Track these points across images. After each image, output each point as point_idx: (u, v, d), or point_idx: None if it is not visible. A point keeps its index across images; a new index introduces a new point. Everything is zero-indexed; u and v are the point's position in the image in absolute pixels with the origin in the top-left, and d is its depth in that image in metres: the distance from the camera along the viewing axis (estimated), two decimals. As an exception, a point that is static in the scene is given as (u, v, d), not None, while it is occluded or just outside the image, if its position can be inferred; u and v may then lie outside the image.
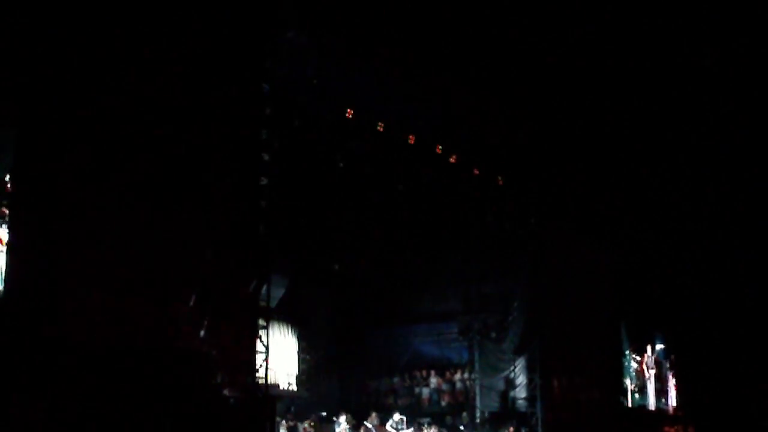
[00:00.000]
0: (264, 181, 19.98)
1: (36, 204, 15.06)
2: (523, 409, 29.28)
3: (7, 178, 15.94)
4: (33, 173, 15.07)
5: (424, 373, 32.62)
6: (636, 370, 33.34)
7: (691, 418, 33.55)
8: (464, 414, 30.32)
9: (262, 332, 19.71)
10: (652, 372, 33.65)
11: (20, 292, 14.49)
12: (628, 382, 32.29)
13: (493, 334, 30.49)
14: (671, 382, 34.29)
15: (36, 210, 15.04)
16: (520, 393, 29.60)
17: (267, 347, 19.68)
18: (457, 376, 32.01)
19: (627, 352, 32.59)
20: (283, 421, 22.93)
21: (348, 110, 23.37)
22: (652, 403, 33.04)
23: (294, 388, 28.59)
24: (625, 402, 31.81)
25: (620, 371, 32.15)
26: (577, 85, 27.05)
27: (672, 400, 34.11)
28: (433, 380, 32.25)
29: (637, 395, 32.60)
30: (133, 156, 16.49)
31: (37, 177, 15.09)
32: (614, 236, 31.46)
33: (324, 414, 26.32)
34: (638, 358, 33.37)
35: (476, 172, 27.33)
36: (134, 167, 16.47)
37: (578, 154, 28.84)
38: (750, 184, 30.44)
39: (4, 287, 14.73)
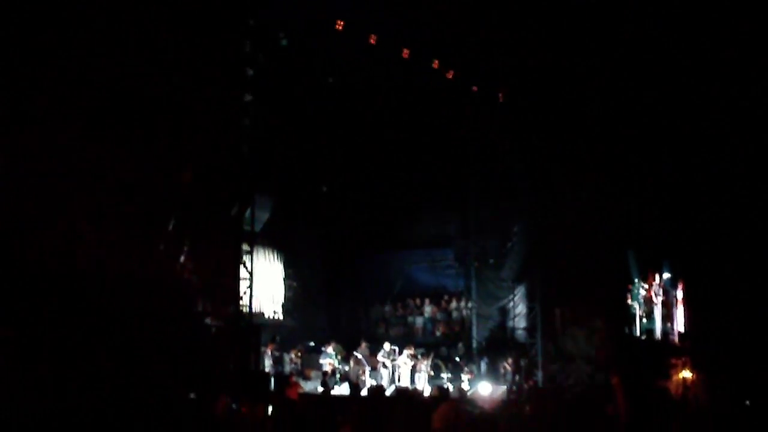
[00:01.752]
0: (248, 97, 19.95)
1: (9, 131, 15.03)
2: (522, 340, 29.49)
3: None
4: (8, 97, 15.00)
5: (418, 301, 32.77)
6: (644, 297, 33.54)
7: (698, 348, 33.87)
8: (460, 345, 30.55)
9: (245, 258, 19.87)
10: (660, 299, 33.86)
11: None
12: (636, 308, 32.48)
13: (492, 261, 30.49)
14: (678, 310, 34.54)
15: (8, 137, 15.02)
16: (519, 323, 29.81)
17: (251, 274, 19.86)
18: (453, 304, 32.22)
19: (636, 280, 32.72)
20: (268, 351, 23.13)
21: (338, 21, 23.17)
22: (658, 329, 33.30)
23: (280, 316, 28.78)
24: (632, 330, 32.02)
25: (625, 300, 32.32)
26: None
27: (678, 328, 34.41)
28: (428, 309, 32.43)
29: (645, 320, 32.78)
30: (110, 74, 16.42)
31: (13, 101, 15.05)
32: (622, 158, 31.38)
33: (312, 344, 26.51)
34: (646, 286, 33.53)
35: (475, 88, 27.17)
36: (110, 86, 16.41)
37: (585, 70, 28.64)
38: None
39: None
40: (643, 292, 33.36)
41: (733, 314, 32.84)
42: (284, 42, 21.89)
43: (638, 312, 32.76)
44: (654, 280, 33.64)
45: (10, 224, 14.80)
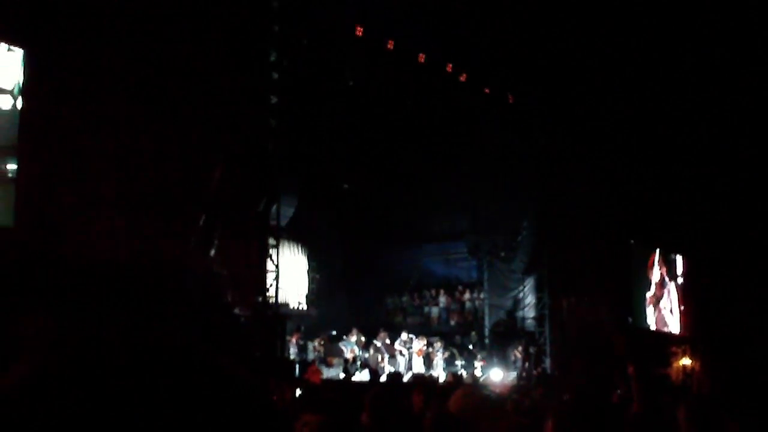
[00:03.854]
0: (273, 99, 20.00)
1: (41, 131, 15.05)
2: (531, 329, 29.51)
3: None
4: (40, 96, 15.03)
5: (434, 292, 32.80)
6: (646, 286, 33.44)
7: (698, 339, 33.82)
8: (473, 333, 30.57)
9: (272, 251, 19.91)
10: (662, 289, 33.84)
11: (28, 221, 14.56)
12: (639, 297, 32.44)
13: (503, 254, 30.53)
14: (678, 301, 34.51)
15: (41, 137, 15.04)
16: (529, 312, 29.82)
17: (277, 266, 19.91)
18: (466, 295, 32.22)
19: (639, 270, 32.68)
20: (293, 340, 23.16)
21: (358, 27, 23.21)
22: (659, 320, 33.27)
23: (304, 307, 28.82)
24: (636, 320, 31.98)
25: (629, 290, 32.29)
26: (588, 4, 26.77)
27: (677, 320, 34.37)
28: (442, 299, 32.45)
29: (647, 309, 32.74)
30: (143, 75, 16.48)
31: (42, 101, 15.07)
32: (626, 155, 31.33)
33: (334, 333, 26.52)
34: (651, 276, 33.48)
35: (486, 90, 27.21)
36: (143, 86, 16.48)
37: (589, 71, 28.60)
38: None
39: (15, 217, 14.70)
40: (646, 282, 33.33)
41: (734, 305, 32.78)
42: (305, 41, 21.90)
43: (641, 301, 32.75)
44: (655, 269, 33.62)
45: (52, 217, 14.85)
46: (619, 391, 15.26)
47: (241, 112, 18.90)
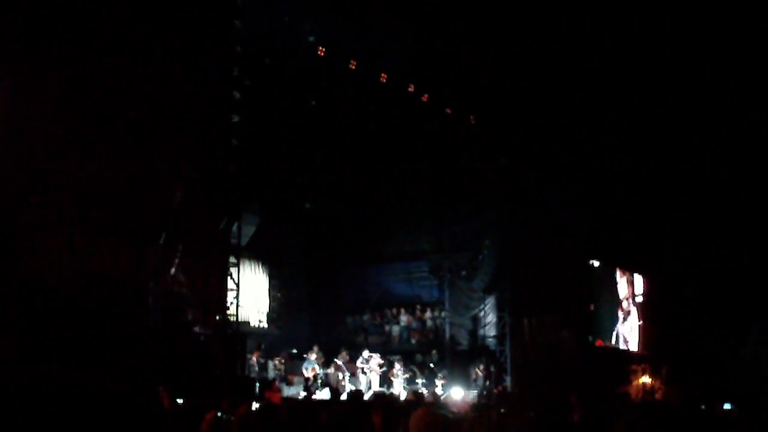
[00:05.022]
0: (235, 118, 19.99)
1: (3, 146, 14.95)
2: (492, 348, 29.60)
3: None
4: None
5: (395, 311, 32.78)
6: (606, 305, 33.64)
7: (656, 358, 34.03)
8: (434, 352, 30.59)
9: (232, 270, 19.87)
10: (622, 307, 34.05)
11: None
12: (600, 316, 32.62)
13: (464, 273, 30.60)
14: (637, 321, 34.73)
15: (2, 151, 14.94)
16: (490, 331, 29.94)
17: (238, 285, 19.87)
18: (428, 314, 32.23)
19: (598, 290, 32.87)
20: (254, 358, 23.09)
21: (320, 48, 23.29)
22: (619, 337, 33.48)
23: (265, 325, 28.81)
24: (594, 340, 32.15)
25: (590, 309, 32.44)
26: (548, 25, 26.98)
27: (637, 339, 34.59)
28: (404, 318, 32.45)
29: (607, 328, 32.94)
30: (102, 94, 16.42)
31: (3, 116, 14.97)
32: (585, 175, 31.56)
33: (295, 351, 26.48)
34: (614, 295, 33.69)
35: (448, 111, 27.35)
36: (103, 106, 16.41)
37: (549, 93, 28.83)
38: (730, 125, 30.59)
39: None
40: (612, 300, 33.54)
41: (692, 323, 33.06)
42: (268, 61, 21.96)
43: (601, 320, 32.93)
44: (616, 289, 33.85)
45: (9, 235, 14.74)
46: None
47: (202, 131, 18.86)
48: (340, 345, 27.31)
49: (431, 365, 29.42)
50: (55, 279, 15.22)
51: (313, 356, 24.78)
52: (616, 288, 33.97)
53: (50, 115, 15.59)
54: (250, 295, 26.77)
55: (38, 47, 15.54)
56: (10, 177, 15.00)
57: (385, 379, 26.53)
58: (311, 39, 23.11)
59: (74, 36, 16.13)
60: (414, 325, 32.29)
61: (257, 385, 20.79)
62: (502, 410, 19.04)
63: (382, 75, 24.95)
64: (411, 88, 25.92)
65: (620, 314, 33.88)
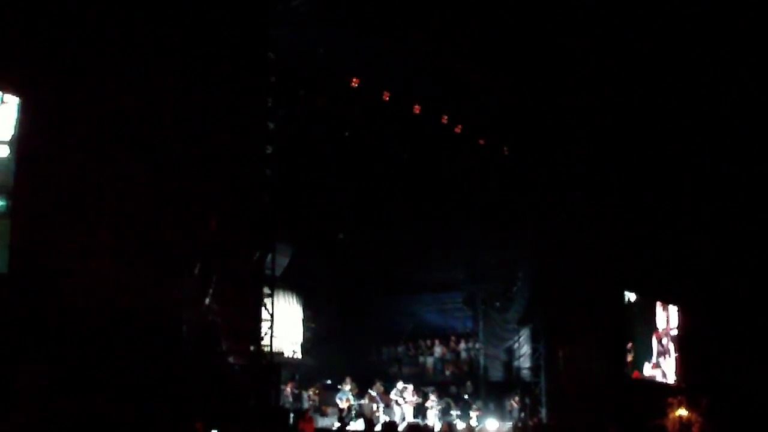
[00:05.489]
0: (269, 149, 20.07)
1: (37, 179, 15.03)
2: (527, 379, 29.38)
3: None
4: (34, 146, 14.99)
5: (429, 342, 32.61)
6: (642, 337, 33.35)
7: (694, 390, 33.64)
8: (468, 383, 30.36)
9: (267, 300, 19.87)
10: (658, 339, 33.77)
11: (23, 269, 14.48)
12: (635, 348, 32.34)
13: (498, 304, 30.45)
14: (673, 353, 34.39)
15: (37, 185, 15.02)
16: (524, 363, 29.73)
17: (272, 315, 19.86)
18: (462, 345, 32.05)
19: (634, 322, 32.62)
20: (288, 388, 23.03)
21: (353, 79, 23.35)
22: (657, 372, 33.15)
23: (299, 355, 28.75)
24: (629, 371, 31.86)
25: (624, 341, 32.18)
26: (581, 55, 26.98)
27: (673, 370, 34.23)
28: (438, 349, 32.26)
29: (643, 360, 32.65)
30: (138, 127, 16.55)
31: (38, 150, 15.06)
32: (620, 205, 31.40)
33: (329, 382, 26.39)
34: (649, 327, 33.41)
35: (481, 142, 27.33)
36: (139, 138, 16.53)
37: (583, 123, 28.77)
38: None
39: (9, 265, 14.53)
40: (641, 334, 33.26)
41: (731, 354, 32.67)
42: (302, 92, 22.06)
43: (637, 352, 32.65)
44: (653, 321, 33.57)
45: (47, 265, 14.83)
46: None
47: (237, 162, 18.95)
48: (374, 376, 27.15)
49: (466, 397, 29.19)
50: (91, 309, 15.27)
51: (347, 387, 24.66)
52: (654, 320, 33.69)
53: (89, 147, 15.71)
54: (284, 325, 26.75)
55: (79, 77, 15.70)
56: (49, 208, 15.09)
57: (420, 411, 26.36)
58: (344, 70, 23.19)
59: (113, 70, 16.30)
60: (448, 356, 32.09)
61: (291, 415, 20.77)
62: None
63: (416, 106, 24.99)
64: (444, 119, 25.92)
65: (656, 346, 33.56)
